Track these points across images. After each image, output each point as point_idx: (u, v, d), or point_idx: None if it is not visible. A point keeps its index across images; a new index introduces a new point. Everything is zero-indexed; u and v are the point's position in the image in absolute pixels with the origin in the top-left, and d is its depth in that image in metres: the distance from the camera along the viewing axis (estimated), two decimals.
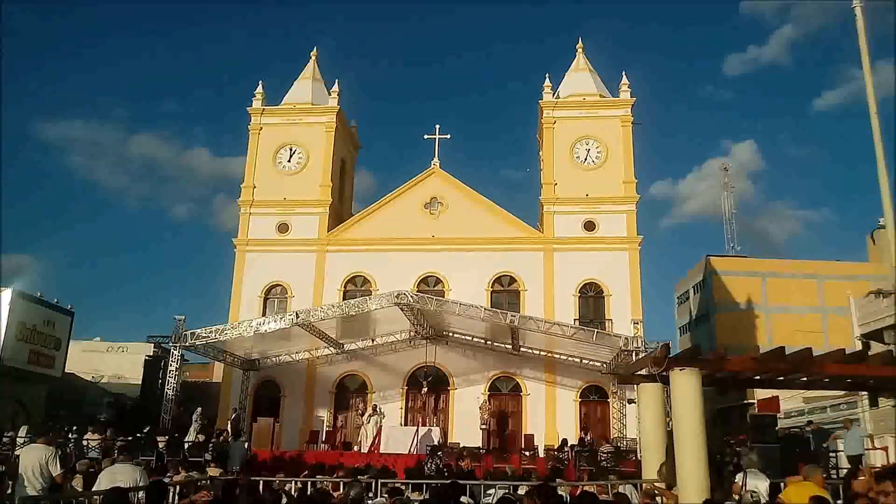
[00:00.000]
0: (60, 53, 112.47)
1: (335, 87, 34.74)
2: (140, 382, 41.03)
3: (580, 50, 35.21)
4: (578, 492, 9.20)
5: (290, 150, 33.44)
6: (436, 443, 23.15)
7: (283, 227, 32.30)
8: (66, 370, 31.69)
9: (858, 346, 23.59)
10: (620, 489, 9.99)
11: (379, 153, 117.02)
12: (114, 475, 8.13)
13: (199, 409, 23.80)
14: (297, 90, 35.34)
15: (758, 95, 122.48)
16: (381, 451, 22.44)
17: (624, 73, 33.35)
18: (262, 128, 33.82)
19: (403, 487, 9.56)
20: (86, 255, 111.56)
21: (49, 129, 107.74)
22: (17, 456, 11.01)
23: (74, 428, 21.60)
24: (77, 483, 10.70)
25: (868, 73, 10.18)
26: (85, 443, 19.16)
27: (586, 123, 32.40)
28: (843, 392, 23.90)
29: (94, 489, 8.28)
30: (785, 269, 46.88)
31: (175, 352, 25.42)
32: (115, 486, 6.90)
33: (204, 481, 10.59)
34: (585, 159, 31.84)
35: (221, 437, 21.91)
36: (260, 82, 34.41)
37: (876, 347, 22.22)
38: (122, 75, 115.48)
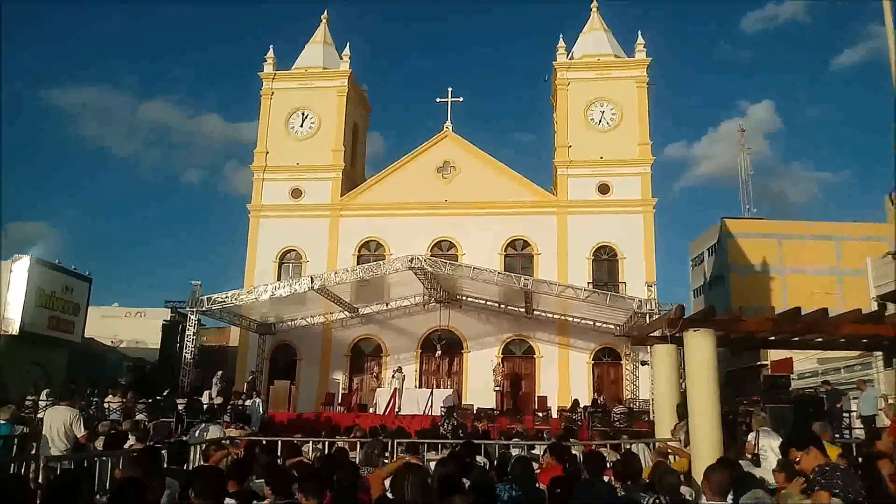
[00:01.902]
0: (69, 20, 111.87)
1: (346, 51, 34.41)
2: (158, 347, 41.54)
3: (595, 8, 34.51)
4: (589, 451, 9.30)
5: (303, 114, 33.33)
6: (458, 404, 23.42)
7: (296, 193, 32.35)
8: (85, 335, 32.18)
9: (874, 307, 23.48)
10: (633, 449, 10.09)
11: (390, 115, 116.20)
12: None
13: (220, 373, 24.23)
14: (308, 54, 35.07)
15: (775, 54, 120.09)
16: (397, 413, 22.74)
17: (639, 32, 32.78)
18: (273, 93, 33.68)
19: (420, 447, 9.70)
20: (100, 221, 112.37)
21: (60, 96, 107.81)
22: (41, 418, 11.27)
23: (95, 391, 22.00)
24: (99, 444, 10.93)
25: (890, 29, 9.93)
26: (106, 405, 19.56)
27: (601, 84, 31.96)
28: (857, 353, 23.87)
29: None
30: (801, 231, 46.54)
31: (192, 316, 25.76)
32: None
33: (225, 441, 10.78)
34: (600, 121, 31.51)
35: (240, 401, 22.26)
36: (271, 47, 34.30)
37: (892, 308, 22.08)
38: (131, 42, 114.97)
